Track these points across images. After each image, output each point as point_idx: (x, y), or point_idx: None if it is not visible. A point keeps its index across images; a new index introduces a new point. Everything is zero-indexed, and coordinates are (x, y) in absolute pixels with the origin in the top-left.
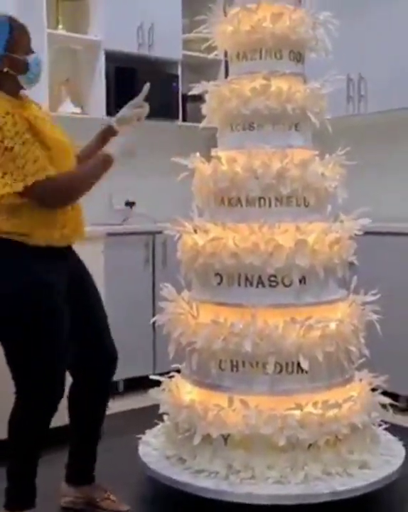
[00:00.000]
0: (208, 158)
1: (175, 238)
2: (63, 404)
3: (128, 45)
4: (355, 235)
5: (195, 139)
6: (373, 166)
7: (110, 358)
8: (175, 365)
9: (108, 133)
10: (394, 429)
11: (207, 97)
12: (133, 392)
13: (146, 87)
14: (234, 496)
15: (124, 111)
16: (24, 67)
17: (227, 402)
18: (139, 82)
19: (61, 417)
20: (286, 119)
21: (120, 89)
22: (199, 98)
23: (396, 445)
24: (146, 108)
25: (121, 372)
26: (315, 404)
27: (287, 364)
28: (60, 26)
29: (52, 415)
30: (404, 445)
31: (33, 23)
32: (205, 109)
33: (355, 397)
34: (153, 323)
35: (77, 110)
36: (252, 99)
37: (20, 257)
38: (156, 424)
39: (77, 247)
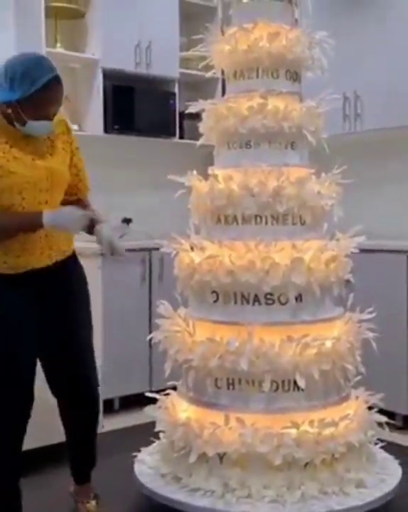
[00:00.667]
0: (205, 175)
1: (172, 255)
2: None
3: (125, 64)
4: (351, 252)
5: (192, 156)
6: (369, 184)
7: (84, 387)
8: (171, 383)
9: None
10: (390, 447)
11: (204, 115)
12: (129, 410)
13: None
14: None
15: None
16: (22, 123)
17: (223, 420)
18: (137, 100)
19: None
20: (283, 137)
21: (118, 107)
22: (196, 116)
23: (393, 464)
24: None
25: (117, 390)
26: (311, 422)
27: (283, 382)
28: (58, 45)
29: (15, 436)
30: (401, 464)
31: (32, 42)
32: (202, 127)
33: (351, 416)
34: (150, 340)
35: (75, 128)
36: (249, 117)
37: None
38: (152, 441)
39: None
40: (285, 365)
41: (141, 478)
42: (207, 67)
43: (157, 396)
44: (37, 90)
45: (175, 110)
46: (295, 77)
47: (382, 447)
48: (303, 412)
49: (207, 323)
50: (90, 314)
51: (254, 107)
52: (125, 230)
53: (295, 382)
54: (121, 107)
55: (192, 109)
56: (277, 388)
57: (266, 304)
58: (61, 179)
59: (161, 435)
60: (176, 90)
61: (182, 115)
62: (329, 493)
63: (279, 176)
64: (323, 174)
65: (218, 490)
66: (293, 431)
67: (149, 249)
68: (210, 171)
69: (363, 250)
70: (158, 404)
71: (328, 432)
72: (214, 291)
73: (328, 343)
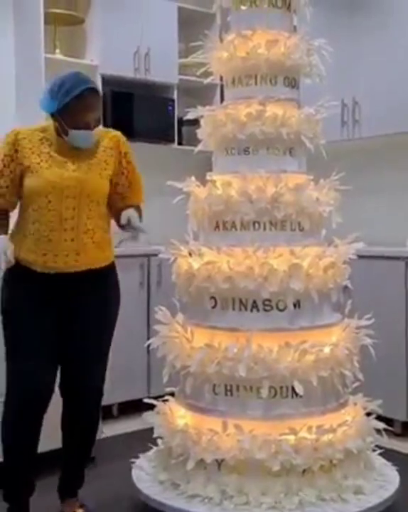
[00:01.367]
0: (203, 181)
1: (170, 261)
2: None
3: (124, 70)
4: (350, 259)
5: (191, 162)
6: (367, 191)
7: (88, 390)
8: (169, 389)
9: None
10: (388, 454)
11: (202, 121)
12: (128, 416)
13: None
14: None
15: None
16: (65, 132)
17: (221, 427)
18: (136, 106)
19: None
20: (281, 143)
21: (116, 114)
22: (195, 122)
23: (391, 470)
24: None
25: (116, 396)
26: (309, 429)
27: (281, 388)
28: (58, 51)
29: (24, 421)
30: (399, 470)
31: (31, 48)
32: (200, 133)
33: (349, 422)
34: (148, 346)
35: None
36: (247, 124)
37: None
38: (151, 447)
39: None
40: (283, 372)
41: (138, 485)
42: (206, 74)
43: (155, 402)
44: (72, 99)
45: (173, 116)
46: (293, 83)
47: (380, 454)
48: (301, 419)
49: (205, 329)
50: (107, 331)
51: (252, 114)
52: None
53: (293, 389)
54: (120, 113)
55: (190, 115)
56: (275, 394)
57: (265, 310)
58: (91, 189)
59: (159, 441)
60: (175, 96)
61: (181, 121)
62: (327, 499)
63: (278, 182)
64: (321, 180)
65: (216, 496)
66: (291, 437)
67: (148, 255)
68: (208, 177)
69: (361, 256)
70: (156, 410)
71: (326, 438)
72: (212, 297)
73: (326, 350)
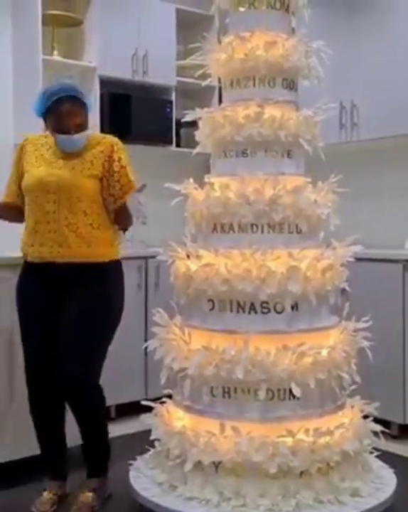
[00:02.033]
0: (201, 183)
1: (168, 263)
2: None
3: (122, 72)
4: (347, 261)
5: (189, 164)
6: (365, 193)
7: (64, 383)
8: (167, 391)
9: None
10: (385, 456)
11: (200, 123)
12: (125, 418)
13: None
14: None
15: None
16: (53, 135)
17: (218, 429)
18: (134, 108)
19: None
20: (279, 146)
21: (114, 115)
22: (193, 124)
23: (388, 473)
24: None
25: (113, 398)
26: (306, 431)
27: (279, 391)
28: (55, 52)
29: (38, 403)
30: (396, 473)
31: (29, 50)
32: (198, 135)
33: (346, 424)
34: (146, 348)
35: None
36: (245, 126)
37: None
38: (148, 449)
39: None
40: (280, 374)
41: (136, 486)
42: (204, 76)
43: (153, 404)
44: (52, 103)
45: (172, 118)
46: (291, 85)
47: (377, 456)
48: (298, 421)
49: (203, 332)
50: (92, 325)
51: (250, 116)
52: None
53: (290, 391)
54: (118, 115)
55: (188, 117)
56: (273, 397)
57: (262, 312)
58: (70, 185)
59: (157, 443)
60: (173, 98)
61: (179, 123)
62: (324, 501)
63: (276, 184)
64: (319, 183)
65: (213, 499)
66: (289, 439)
67: (145, 257)
68: (206, 179)
69: (359, 259)
70: (154, 412)
71: (323, 440)
72: (210, 300)
73: (324, 352)
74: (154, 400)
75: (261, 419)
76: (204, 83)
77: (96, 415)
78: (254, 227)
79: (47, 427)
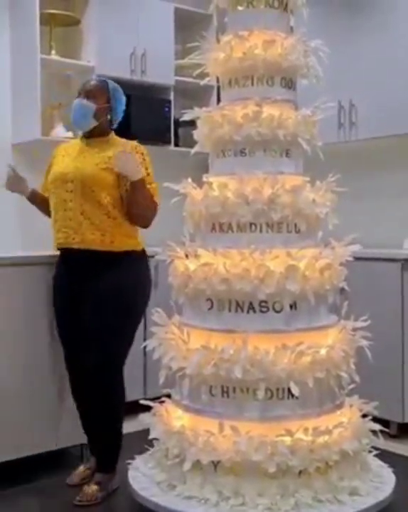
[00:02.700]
0: (200, 183)
1: (167, 263)
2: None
3: (121, 71)
4: (346, 260)
5: (187, 163)
6: (364, 192)
7: (87, 367)
8: (166, 390)
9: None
10: (384, 455)
11: (199, 122)
12: (124, 417)
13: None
14: None
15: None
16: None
17: (217, 428)
18: (132, 107)
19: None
20: (278, 145)
21: None
22: (191, 123)
23: (387, 472)
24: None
25: None
26: (305, 430)
27: (278, 390)
28: (53, 52)
29: (76, 391)
30: (394, 472)
31: (26, 49)
32: (196, 134)
33: (345, 424)
34: (144, 347)
35: (69, 135)
36: (244, 125)
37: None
38: (147, 449)
39: None
40: (279, 373)
41: (135, 486)
42: (203, 75)
43: (151, 404)
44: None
45: (170, 117)
46: (290, 84)
47: (376, 455)
48: (297, 420)
49: (201, 331)
50: (109, 314)
51: (249, 115)
52: None
53: (289, 390)
54: None
55: (187, 116)
56: (271, 396)
57: (261, 311)
58: (85, 176)
59: (156, 443)
60: (171, 98)
61: (177, 123)
62: (323, 501)
63: (274, 183)
64: (317, 182)
65: (212, 498)
66: (288, 439)
67: None
68: (204, 179)
69: (358, 258)
70: (153, 411)
71: (322, 439)
72: (208, 299)
73: (323, 351)
74: (153, 399)
75: (260, 419)
76: (202, 82)
77: (107, 408)
78: (253, 226)
79: (84, 409)
